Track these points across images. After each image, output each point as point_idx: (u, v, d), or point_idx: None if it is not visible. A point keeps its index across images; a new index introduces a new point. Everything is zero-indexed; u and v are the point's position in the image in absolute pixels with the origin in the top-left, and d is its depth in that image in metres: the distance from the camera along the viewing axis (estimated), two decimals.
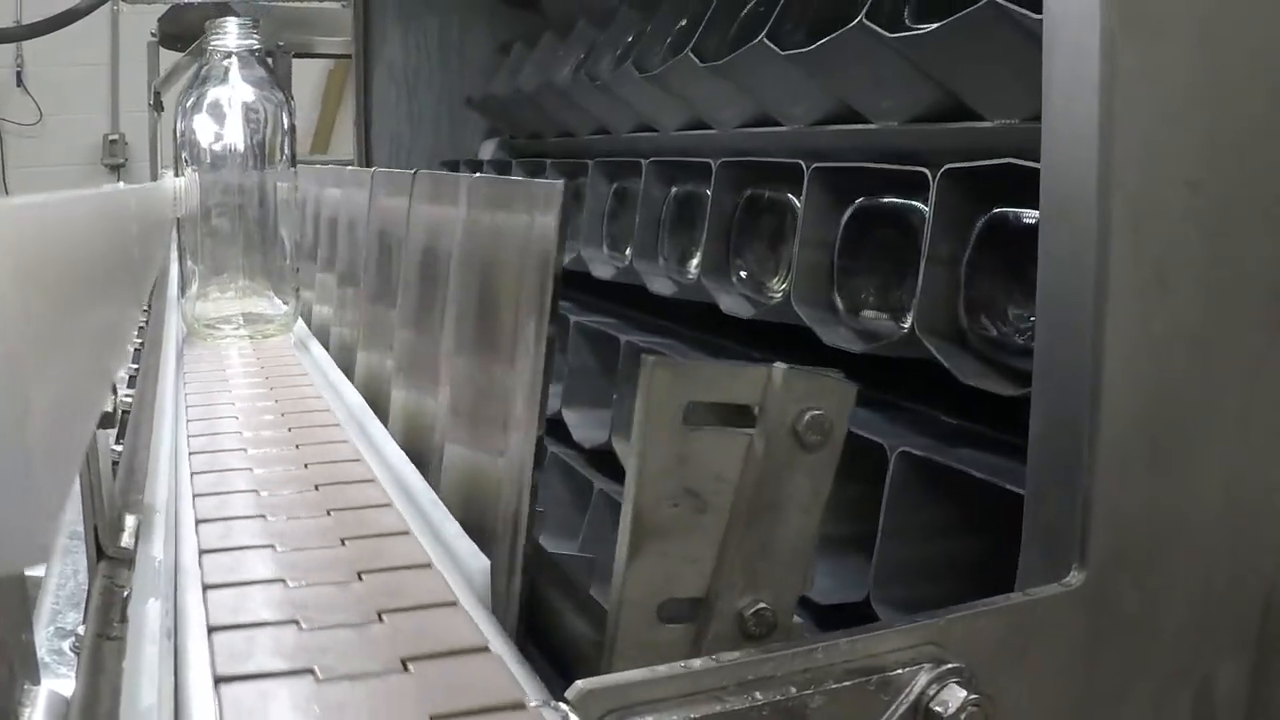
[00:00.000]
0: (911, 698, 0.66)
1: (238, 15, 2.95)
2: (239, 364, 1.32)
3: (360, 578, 0.65)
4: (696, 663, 0.62)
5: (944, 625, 0.68)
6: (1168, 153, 0.73)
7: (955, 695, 0.65)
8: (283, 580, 0.63)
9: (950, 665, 0.66)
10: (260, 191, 1.52)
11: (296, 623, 0.58)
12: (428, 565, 0.68)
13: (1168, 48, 0.72)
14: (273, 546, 0.68)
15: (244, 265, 1.52)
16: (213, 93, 1.52)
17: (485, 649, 0.59)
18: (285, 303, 1.53)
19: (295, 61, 4.17)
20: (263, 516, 0.73)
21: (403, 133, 2.79)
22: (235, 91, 1.52)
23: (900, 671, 0.66)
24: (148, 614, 0.53)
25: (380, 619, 0.60)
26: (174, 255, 1.72)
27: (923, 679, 0.66)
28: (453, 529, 0.74)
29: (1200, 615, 0.79)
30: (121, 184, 0.64)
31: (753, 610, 0.65)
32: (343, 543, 0.70)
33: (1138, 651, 0.77)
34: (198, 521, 0.70)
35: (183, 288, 1.56)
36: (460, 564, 0.69)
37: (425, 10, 2.76)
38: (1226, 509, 0.78)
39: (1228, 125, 0.75)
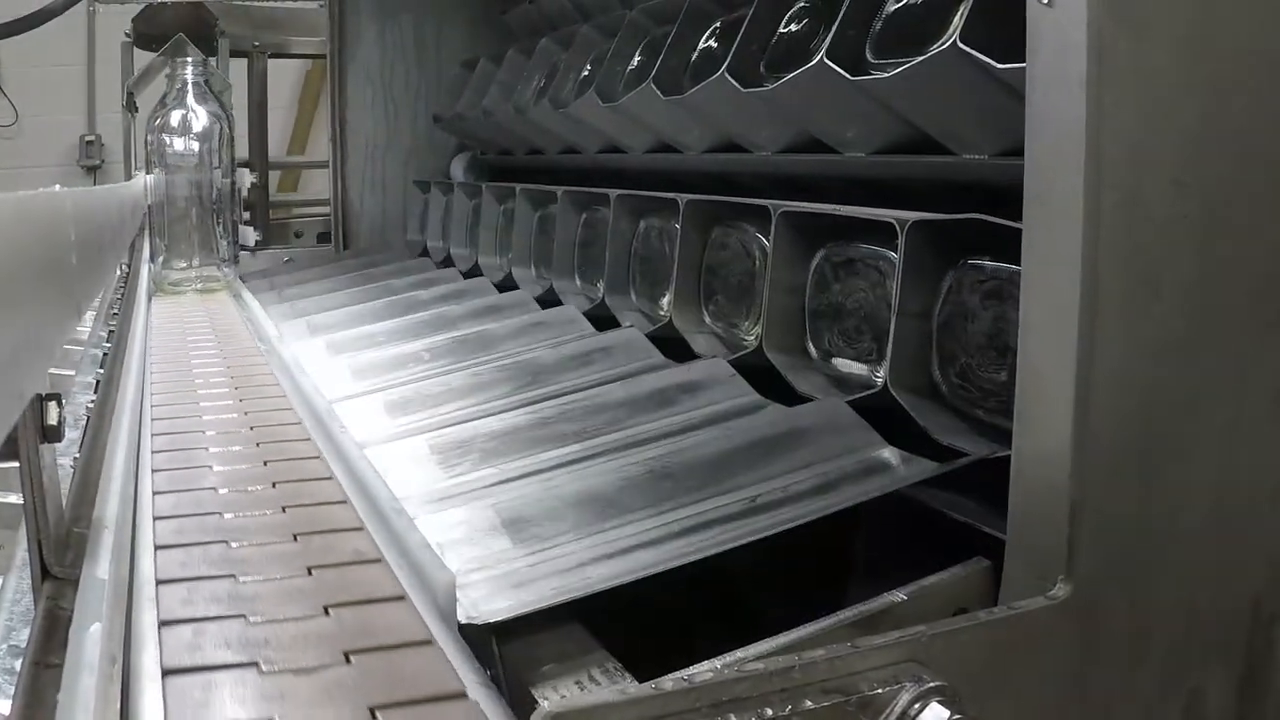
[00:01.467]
0: (892, 718, 0.63)
1: (213, 16, 3.37)
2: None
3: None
4: (668, 683, 0.60)
5: (926, 642, 0.66)
6: (1156, 153, 0.71)
7: (938, 715, 0.63)
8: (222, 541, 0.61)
9: (932, 684, 0.64)
10: (210, 186, 2.22)
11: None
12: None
13: (1157, 44, 0.70)
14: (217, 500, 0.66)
15: (198, 241, 2.19)
16: (174, 114, 2.27)
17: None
18: (228, 269, 2.21)
19: (272, 61, 4.15)
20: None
21: (378, 134, 2.77)
22: (190, 114, 2.27)
23: (880, 690, 0.64)
24: (87, 641, 0.50)
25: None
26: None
27: (904, 698, 0.64)
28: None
29: (1188, 627, 0.77)
30: (59, 186, 0.62)
31: None
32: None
33: (1126, 665, 0.75)
34: (154, 471, 0.70)
35: (153, 255, 2.15)
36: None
37: (400, 9, 2.74)
38: (1214, 518, 0.76)
39: (1215, 124, 0.73)
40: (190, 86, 2.25)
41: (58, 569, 0.62)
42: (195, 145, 2.20)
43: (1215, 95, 0.72)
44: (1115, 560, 0.73)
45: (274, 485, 0.87)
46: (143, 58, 3.93)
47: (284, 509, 0.81)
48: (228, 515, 0.80)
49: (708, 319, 1.48)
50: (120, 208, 1.04)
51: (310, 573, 0.70)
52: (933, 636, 0.66)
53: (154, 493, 0.83)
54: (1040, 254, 0.72)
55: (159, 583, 0.66)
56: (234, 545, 0.74)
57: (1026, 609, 0.71)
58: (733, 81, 1.37)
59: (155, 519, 0.77)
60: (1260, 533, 0.78)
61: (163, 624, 0.61)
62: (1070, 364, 0.71)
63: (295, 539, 0.76)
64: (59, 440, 0.61)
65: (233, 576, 0.69)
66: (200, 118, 2.24)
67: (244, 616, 0.61)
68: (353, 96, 2.75)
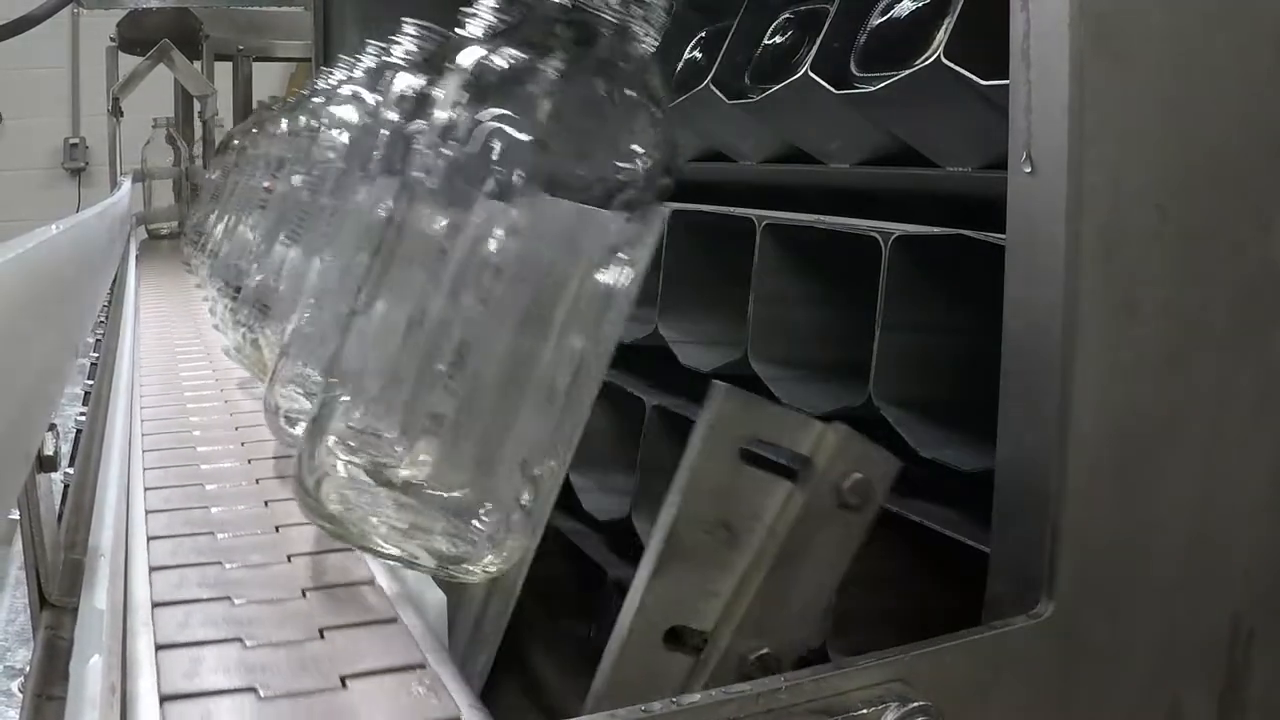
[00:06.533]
0: None
1: (198, 20, 3.73)
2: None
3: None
4: (656, 705, 0.61)
5: (910, 661, 0.67)
6: (1137, 177, 0.72)
7: None
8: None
9: (917, 703, 0.65)
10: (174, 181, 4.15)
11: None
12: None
13: (1137, 70, 0.71)
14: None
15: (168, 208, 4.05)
16: (156, 146, 4.17)
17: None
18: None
19: (256, 64, 4.15)
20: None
21: None
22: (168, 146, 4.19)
23: (865, 711, 0.65)
24: (88, 674, 0.51)
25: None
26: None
27: (889, 718, 0.65)
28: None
29: (1169, 643, 0.78)
30: (54, 227, 0.62)
31: (756, 655, 0.64)
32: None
33: (1107, 682, 0.76)
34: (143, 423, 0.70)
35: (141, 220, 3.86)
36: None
37: (384, 14, 2.74)
38: (1194, 536, 0.77)
39: (1195, 148, 0.74)
40: (170, 132, 4.12)
41: (55, 597, 0.63)
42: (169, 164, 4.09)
43: (1195, 119, 0.73)
44: (1096, 578, 0.74)
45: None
46: (127, 62, 3.94)
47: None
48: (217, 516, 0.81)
49: (694, 331, 1.48)
50: (110, 229, 1.04)
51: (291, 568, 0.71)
52: (916, 656, 0.67)
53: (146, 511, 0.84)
54: (1022, 277, 0.74)
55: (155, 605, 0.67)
56: (219, 536, 0.75)
57: (1008, 628, 0.72)
58: (717, 93, 1.38)
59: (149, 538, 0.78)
60: (1239, 549, 0.79)
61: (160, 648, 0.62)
62: (1053, 385, 0.72)
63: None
64: (55, 470, 0.62)
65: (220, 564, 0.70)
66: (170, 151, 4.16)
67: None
68: None
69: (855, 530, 0.66)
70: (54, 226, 0.60)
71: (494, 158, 0.63)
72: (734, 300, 1.35)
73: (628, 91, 0.68)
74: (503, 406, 0.65)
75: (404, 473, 0.64)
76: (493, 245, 0.63)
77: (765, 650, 0.64)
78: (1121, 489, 0.74)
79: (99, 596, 0.59)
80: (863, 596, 1.07)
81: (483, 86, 0.65)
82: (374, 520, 0.65)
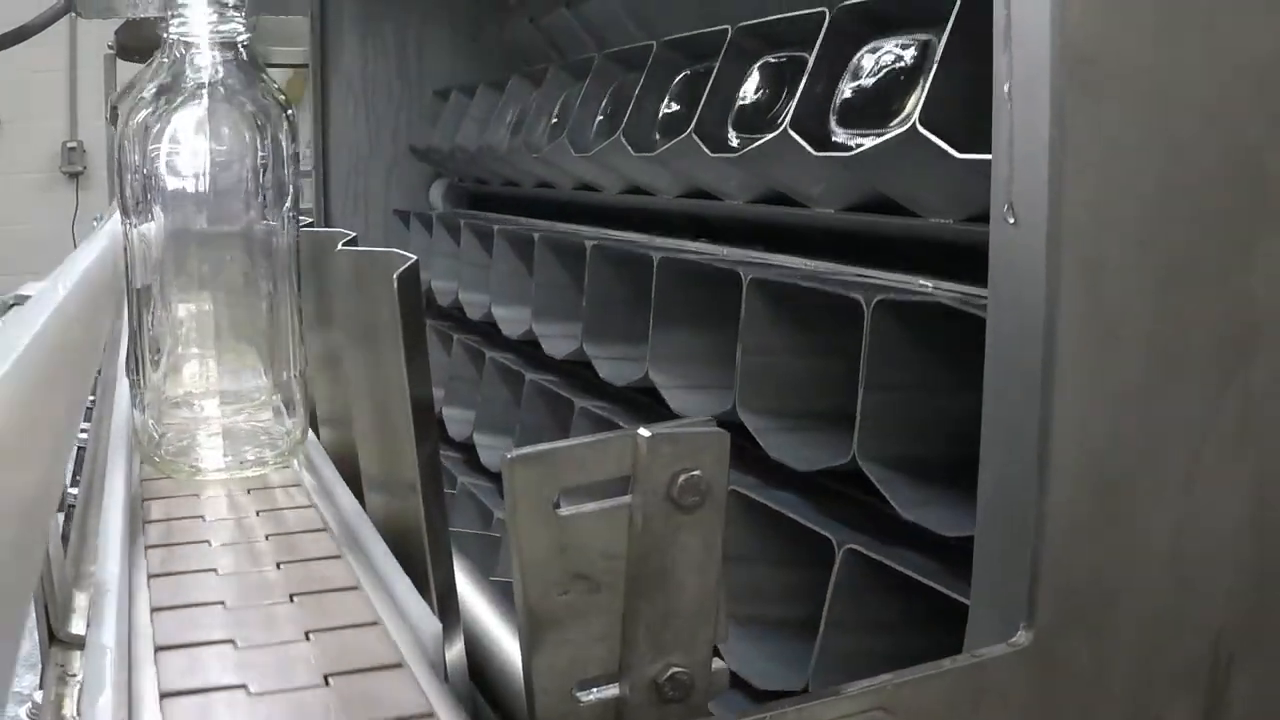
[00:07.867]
0: None
1: None
2: None
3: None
4: None
5: (892, 690, 0.69)
6: (1119, 212, 0.73)
7: None
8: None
9: None
10: None
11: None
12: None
13: (1118, 106, 0.73)
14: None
15: None
16: None
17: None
18: None
19: None
20: None
21: (360, 143, 2.78)
22: None
23: None
24: (98, 714, 0.52)
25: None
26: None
27: None
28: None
29: (1149, 668, 0.79)
30: (60, 288, 0.62)
31: (666, 676, 0.63)
32: None
33: (1087, 708, 0.77)
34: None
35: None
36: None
37: (383, 18, 2.75)
38: (1173, 563, 0.78)
39: (1177, 183, 0.75)
40: None
41: (63, 633, 0.64)
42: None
43: (1176, 155, 0.75)
44: (1076, 606, 0.75)
45: None
46: (125, 69, 3.94)
47: None
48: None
49: (684, 376, 1.48)
50: (114, 271, 1.04)
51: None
52: (898, 685, 0.69)
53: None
54: (1003, 314, 0.75)
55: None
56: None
57: (989, 656, 0.73)
58: (699, 143, 1.40)
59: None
60: (1218, 576, 0.80)
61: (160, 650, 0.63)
62: (1033, 417, 0.73)
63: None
64: (62, 510, 0.63)
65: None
66: None
67: None
68: (335, 106, 2.76)
69: (710, 524, 0.62)
70: (59, 287, 0.61)
71: None
72: (724, 344, 1.35)
73: None
74: None
75: None
76: None
77: (675, 668, 0.63)
78: (1101, 518, 0.76)
79: (106, 633, 0.60)
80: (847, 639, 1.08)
81: None
82: None
